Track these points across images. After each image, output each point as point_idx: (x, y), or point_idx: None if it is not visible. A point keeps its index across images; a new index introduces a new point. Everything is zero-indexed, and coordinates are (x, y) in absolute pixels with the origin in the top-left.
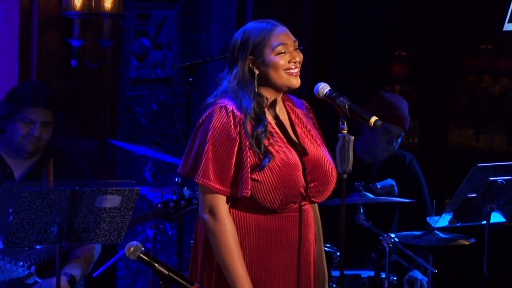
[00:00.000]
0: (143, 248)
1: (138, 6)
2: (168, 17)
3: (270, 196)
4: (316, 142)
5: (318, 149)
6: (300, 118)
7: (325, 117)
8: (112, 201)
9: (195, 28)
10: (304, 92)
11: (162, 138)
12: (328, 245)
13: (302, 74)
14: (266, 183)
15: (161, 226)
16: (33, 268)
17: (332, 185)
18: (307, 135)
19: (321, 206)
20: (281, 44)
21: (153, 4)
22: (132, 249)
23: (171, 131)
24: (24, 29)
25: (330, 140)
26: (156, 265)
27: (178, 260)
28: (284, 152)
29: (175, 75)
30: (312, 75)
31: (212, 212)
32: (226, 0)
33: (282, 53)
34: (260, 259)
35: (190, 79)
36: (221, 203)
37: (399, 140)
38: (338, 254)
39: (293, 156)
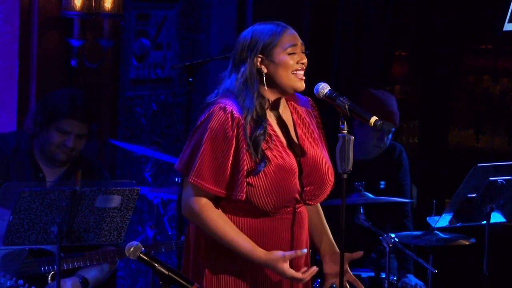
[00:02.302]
0: (143, 248)
1: (138, 6)
2: (168, 17)
3: (263, 200)
4: (316, 144)
5: (317, 152)
6: (303, 119)
7: (325, 117)
8: (112, 201)
9: (195, 28)
10: (304, 92)
11: (162, 138)
12: None
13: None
14: (259, 188)
15: (161, 226)
16: (20, 281)
17: (328, 189)
18: (307, 136)
19: (321, 206)
20: (292, 45)
21: (153, 4)
22: (132, 249)
23: (171, 131)
24: (24, 29)
25: (330, 140)
26: (156, 265)
27: (178, 260)
28: (281, 156)
29: (175, 75)
30: (312, 75)
31: (193, 203)
32: (226, 0)
33: (292, 54)
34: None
35: (190, 79)
36: (203, 195)
37: (390, 136)
38: None
39: (290, 160)
